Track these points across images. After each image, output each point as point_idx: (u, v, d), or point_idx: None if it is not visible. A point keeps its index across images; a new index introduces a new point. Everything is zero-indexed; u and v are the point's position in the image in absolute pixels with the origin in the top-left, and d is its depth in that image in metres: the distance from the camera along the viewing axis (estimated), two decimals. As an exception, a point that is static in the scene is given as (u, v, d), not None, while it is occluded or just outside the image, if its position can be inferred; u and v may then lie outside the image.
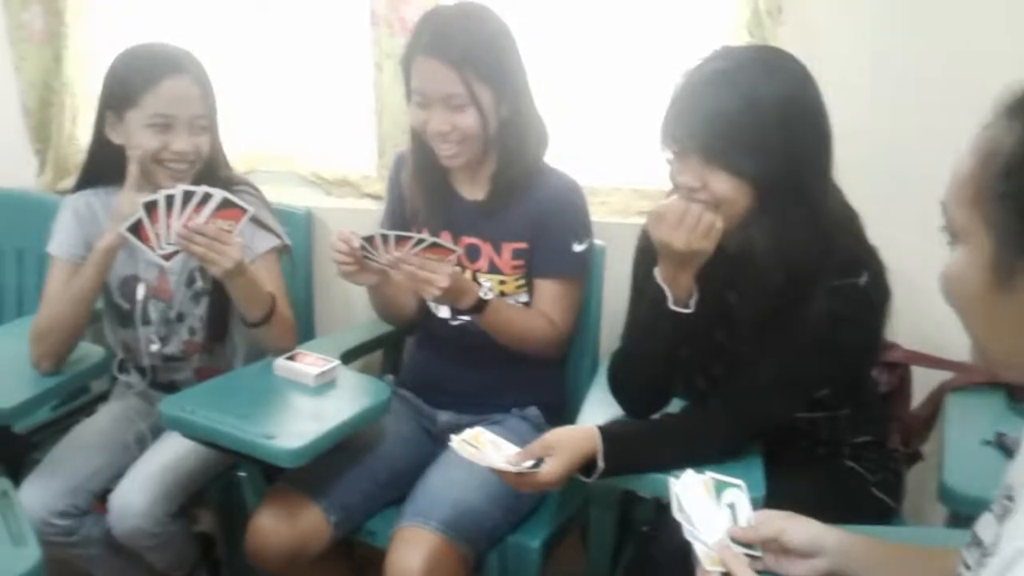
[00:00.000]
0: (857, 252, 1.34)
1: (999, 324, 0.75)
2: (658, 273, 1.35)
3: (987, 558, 0.74)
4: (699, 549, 1.04)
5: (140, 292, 1.80)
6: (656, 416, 1.46)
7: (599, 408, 1.54)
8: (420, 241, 1.52)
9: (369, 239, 1.53)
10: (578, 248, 1.72)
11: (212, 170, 1.76)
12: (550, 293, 1.73)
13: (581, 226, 1.73)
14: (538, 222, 1.70)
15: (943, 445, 1.43)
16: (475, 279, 1.72)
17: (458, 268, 1.64)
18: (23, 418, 1.65)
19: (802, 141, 1.28)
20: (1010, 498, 0.79)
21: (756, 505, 1.15)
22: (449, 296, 1.56)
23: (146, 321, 1.81)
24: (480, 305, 1.61)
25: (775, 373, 1.35)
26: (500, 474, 1.32)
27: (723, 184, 1.26)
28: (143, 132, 1.67)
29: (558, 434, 1.35)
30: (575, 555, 1.73)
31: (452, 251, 1.54)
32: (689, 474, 1.17)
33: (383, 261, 1.54)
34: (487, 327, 1.66)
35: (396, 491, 1.65)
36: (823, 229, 1.30)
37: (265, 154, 2.31)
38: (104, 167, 1.75)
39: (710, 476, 1.17)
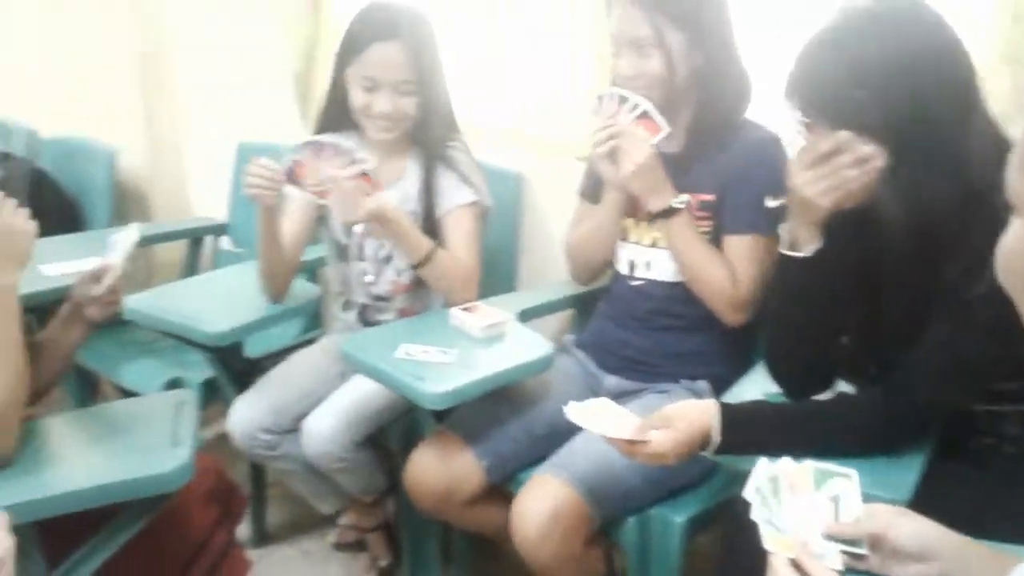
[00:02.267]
0: None
1: None
2: (783, 224, 1.32)
3: None
4: (764, 530, 0.95)
5: (358, 226, 1.91)
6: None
7: (754, 386, 1.46)
8: (635, 107, 1.59)
9: (601, 98, 1.63)
10: (772, 204, 1.61)
11: (425, 126, 1.86)
12: (738, 249, 1.66)
13: (777, 182, 1.62)
14: (732, 175, 1.65)
15: None
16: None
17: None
18: (232, 340, 1.88)
19: (931, 84, 1.17)
20: None
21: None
22: (641, 181, 1.60)
23: (361, 256, 1.97)
24: (671, 211, 1.62)
25: (938, 355, 1.20)
26: (611, 442, 1.30)
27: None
28: (355, 88, 1.83)
29: (676, 407, 1.31)
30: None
31: (659, 128, 1.59)
32: (785, 461, 1.08)
33: (601, 123, 1.61)
34: (672, 239, 1.66)
35: (551, 447, 1.66)
36: (966, 175, 1.16)
37: (487, 124, 2.38)
38: (341, 112, 1.90)
39: (811, 464, 1.07)
